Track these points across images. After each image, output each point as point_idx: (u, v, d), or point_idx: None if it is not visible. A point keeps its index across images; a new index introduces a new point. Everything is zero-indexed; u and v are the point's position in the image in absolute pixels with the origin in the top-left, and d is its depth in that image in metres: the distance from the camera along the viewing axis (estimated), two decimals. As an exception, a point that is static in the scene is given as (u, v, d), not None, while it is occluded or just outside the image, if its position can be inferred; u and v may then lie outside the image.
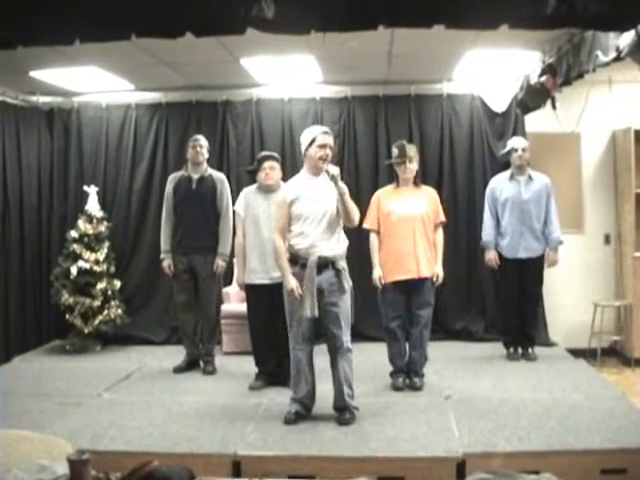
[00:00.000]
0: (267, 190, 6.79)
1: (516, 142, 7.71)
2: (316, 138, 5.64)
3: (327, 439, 5.32)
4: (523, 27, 4.32)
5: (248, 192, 6.95)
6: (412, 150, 6.79)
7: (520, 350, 7.79)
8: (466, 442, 5.15)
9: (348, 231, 5.97)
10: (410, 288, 6.64)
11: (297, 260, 5.62)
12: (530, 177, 7.64)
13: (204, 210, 7.41)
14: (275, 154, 7.08)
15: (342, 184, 5.56)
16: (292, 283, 5.56)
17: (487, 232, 7.69)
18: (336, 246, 5.70)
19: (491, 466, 4.79)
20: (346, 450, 5.10)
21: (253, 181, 7.10)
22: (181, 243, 7.45)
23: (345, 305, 5.82)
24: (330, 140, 5.72)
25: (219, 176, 7.61)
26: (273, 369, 6.90)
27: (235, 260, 7.23)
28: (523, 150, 7.60)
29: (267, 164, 6.80)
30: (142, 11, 4.20)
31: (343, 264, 5.77)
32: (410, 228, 6.61)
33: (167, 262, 7.48)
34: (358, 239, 7.32)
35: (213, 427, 5.63)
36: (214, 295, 7.59)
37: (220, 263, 7.36)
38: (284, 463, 4.98)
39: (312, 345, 5.91)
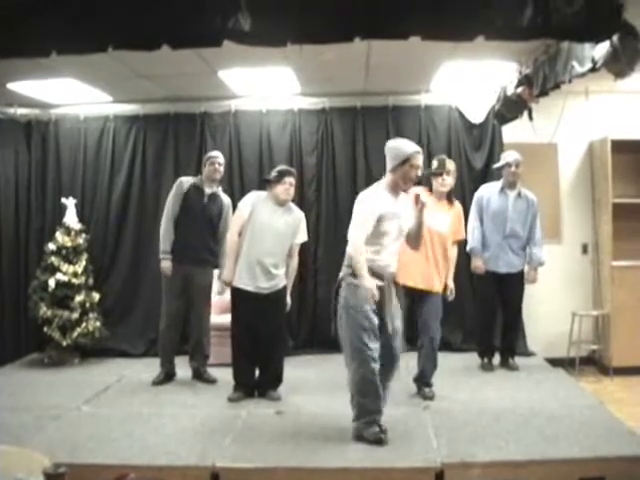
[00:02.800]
0: (279, 203, 6.75)
1: (510, 157, 7.66)
2: (411, 157, 5.38)
3: (306, 450, 5.30)
4: (499, 38, 4.37)
5: (258, 197, 6.83)
6: (452, 165, 6.88)
7: (492, 360, 7.85)
8: (445, 452, 5.15)
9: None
10: (417, 298, 6.66)
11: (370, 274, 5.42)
12: (519, 194, 7.67)
13: (209, 226, 7.42)
14: (294, 170, 7.02)
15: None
16: (372, 282, 5.29)
17: (474, 239, 7.69)
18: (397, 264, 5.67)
19: (469, 476, 4.83)
20: (325, 461, 5.09)
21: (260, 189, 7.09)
22: (179, 251, 7.40)
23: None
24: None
25: (227, 200, 7.61)
26: (252, 381, 6.87)
27: (225, 256, 7.02)
28: (517, 166, 7.58)
29: (289, 179, 6.74)
30: (119, 24, 4.22)
31: None
32: (435, 243, 6.65)
33: (168, 263, 7.39)
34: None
35: (192, 439, 5.60)
36: (208, 305, 7.60)
37: (223, 286, 7.09)
38: (263, 475, 4.97)
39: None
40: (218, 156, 7.54)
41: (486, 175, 8.56)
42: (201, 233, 7.38)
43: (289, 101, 8.97)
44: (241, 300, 6.73)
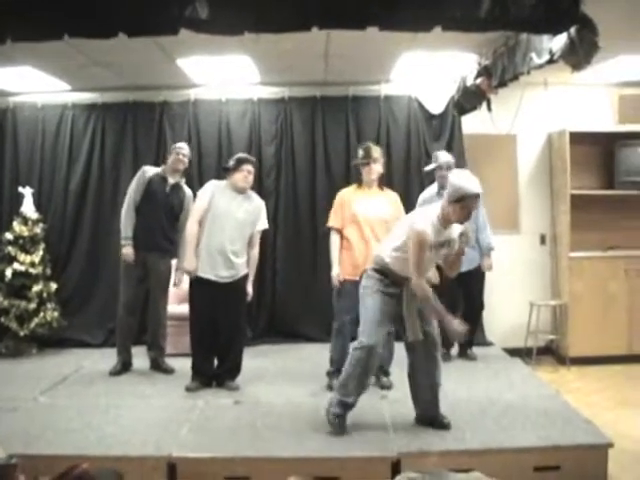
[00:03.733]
0: (238, 191, 6.72)
1: (442, 160, 7.57)
2: (465, 199, 5.09)
3: (264, 440, 5.30)
4: (456, 29, 4.38)
5: (217, 186, 6.80)
6: (377, 152, 6.82)
7: (450, 351, 7.85)
8: (401, 442, 5.17)
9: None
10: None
11: (388, 276, 5.45)
12: None
13: (170, 215, 7.38)
14: (253, 159, 7.03)
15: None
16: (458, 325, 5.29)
17: None
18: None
19: (426, 465, 4.85)
20: (282, 451, 5.09)
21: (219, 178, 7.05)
22: (139, 239, 7.35)
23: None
24: (477, 202, 5.25)
25: (189, 192, 7.56)
26: (211, 371, 6.86)
27: (185, 245, 6.91)
28: (448, 168, 7.49)
29: (247, 167, 6.73)
30: (75, 12, 4.19)
31: None
32: (376, 230, 6.64)
33: (130, 249, 7.33)
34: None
35: (149, 429, 5.57)
36: (166, 294, 7.56)
37: (184, 264, 6.94)
38: (220, 464, 4.95)
39: None
40: (183, 147, 7.51)
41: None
42: (161, 221, 7.35)
43: (249, 90, 8.95)
44: (200, 289, 6.69)
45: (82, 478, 2.77)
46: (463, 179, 5.19)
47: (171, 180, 7.43)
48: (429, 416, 5.60)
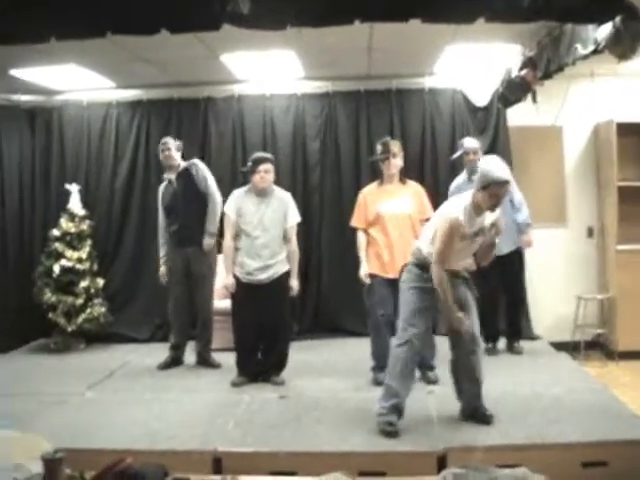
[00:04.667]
0: (260, 193, 6.73)
1: (467, 144, 7.55)
2: (492, 186, 5.03)
3: (308, 435, 5.31)
4: (499, 20, 4.33)
5: (239, 195, 6.83)
6: (396, 146, 6.79)
7: (496, 345, 7.81)
8: (447, 436, 5.14)
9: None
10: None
11: (427, 269, 5.35)
12: None
13: (188, 207, 7.42)
14: (270, 156, 6.95)
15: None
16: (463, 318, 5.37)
17: None
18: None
19: (471, 460, 4.80)
20: (327, 446, 5.09)
21: (245, 181, 7.08)
22: (174, 239, 7.49)
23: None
24: (505, 189, 5.12)
25: (191, 164, 7.57)
26: (255, 366, 6.87)
27: (223, 261, 7.05)
28: (474, 153, 7.47)
29: (262, 167, 6.68)
30: (117, 8, 4.20)
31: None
32: (399, 226, 6.61)
33: (162, 270, 7.56)
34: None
35: (194, 424, 5.61)
36: (210, 287, 7.58)
37: (207, 240, 7.32)
38: (265, 459, 4.95)
39: None
40: (166, 142, 7.55)
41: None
42: (183, 217, 7.42)
43: (293, 85, 8.95)
44: (241, 288, 6.74)
45: (126, 472, 2.79)
46: (491, 165, 5.16)
47: (172, 176, 7.54)
48: (471, 410, 5.56)
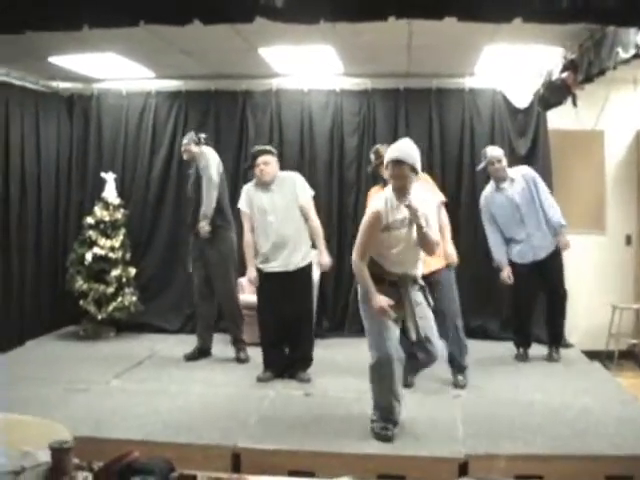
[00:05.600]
0: (265, 185, 6.77)
1: (490, 154, 7.38)
2: (387, 164, 5.07)
3: (330, 434, 5.27)
4: (537, 21, 4.24)
5: (249, 189, 6.90)
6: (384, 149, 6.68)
7: (527, 351, 7.68)
8: (470, 443, 5.07)
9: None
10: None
11: (384, 277, 5.24)
12: (512, 179, 7.38)
13: (199, 192, 7.46)
14: (269, 147, 7.04)
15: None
16: (381, 301, 5.07)
17: (496, 252, 7.47)
18: (420, 264, 5.43)
19: (493, 468, 4.74)
20: (348, 447, 5.04)
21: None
22: (191, 224, 7.56)
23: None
24: (402, 169, 4.98)
25: (198, 151, 7.57)
26: (281, 362, 6.85)
27: (246, 257, 7.03)
28: (499, 161, 7.33)
29: (261, 159, 6.75)
30: (150, -2, 4.17)
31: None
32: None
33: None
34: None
35: (216, 418, 5.61)
36: (228, 272, 7.52)
37: (200, 224, 7.35)
38: (284, 457, 4.92)
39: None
40: (183, 141, 7.70)
41: (530, 162, 8.34)
42: (195, 205, 7.48)
43: (331, 81, 8.88)
44: (265, 280, 6.74)
45: (132, 466, 2.76)
46: (391, 146, 5.19)
47: (192, 169, 7.64)
48: None
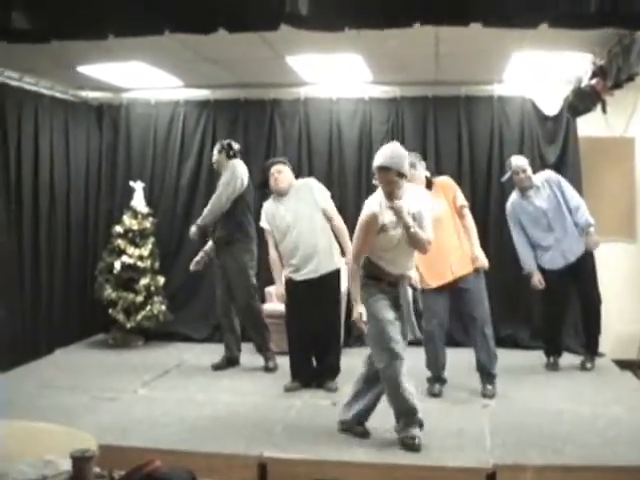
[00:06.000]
0: (282, 195, 6.78)
1: (515, 165, 7.31)
2: (375, 170, 5.21)
3: (356, 444, 5.23)
4: (564, 26, 4.21)
5: (268, 206, 6.92)
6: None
7: (558, 360, 7.59)
8: (498, 453, 5.01)
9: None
10: (452, 292, 6.51)
11: (383, 278, 5.30)
12: (537, 187, 7.31)
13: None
14: (281, 158, 7.18)
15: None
16: (360, 315, 5.26)
17: (525, 259, 7.39)
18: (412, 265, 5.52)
19: (521, 479, 4.69)
20: (373, 456, 5.01)
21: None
22: (212, 235, 7.61)
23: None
24: (388, 175, 5.11)
25: (226, 164, 7.55)
26: (309, 371, 6.84)
27: (273, 274, 7.09)
28: (524, 171, 7.25)
29: (274, 169, 6.81)
30: (175, 6, 4.18)
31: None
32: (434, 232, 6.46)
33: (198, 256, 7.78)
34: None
35: (242, 427, 5.59)
36: (245, 284, 7.46)
37: (191, 228, 7.61)
38: (310, 467, 4.88)
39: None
40: (214, 152, 7.71)
41: (559, 169, 8.25)
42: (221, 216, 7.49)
43: (360, 89, 8.86)
44: (293, 288, 6.74)
45: (152, 475, 2.75)
46: (378, 152, 5.25)
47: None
48: (354, 423, 5.48)
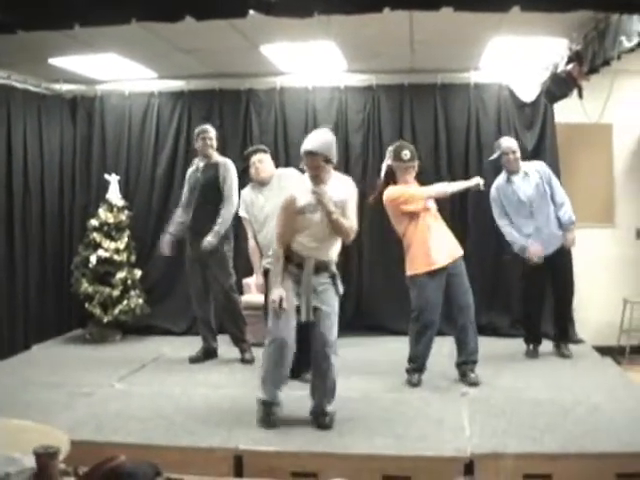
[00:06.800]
0: (262, 184, 6.75)
1: (505, 145, 7.31)
2: (303, 157, 5.28)
3: (334, 435, 5.20)
4: (535, 9, 4.14)
5: (245, 194, 6.93)
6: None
7: (537, 348, 7.60)
8: (476, 442, 4.96)
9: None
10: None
11: (293, 259, 5.38)
12: (525, 173, 7.30)
13: (208, 197, 7.32)
14: (262, 146, 7.08)
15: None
16: (278, 296, 5.31)
17: (513, 238, 7.34)
18: (334, 252, 5.54)
19: (501, 467, 4.65)
20: (351, 447, 4.95)
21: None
22: (191, 228, 7.45)
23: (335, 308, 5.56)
24: (315, 160, 5.21)
25: (222, 161, 7.47)
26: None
27: (253, 264, 7.12)
28: (513, 152, 7.25)
29: (255, 158, 6.77)
30: (141, -5, 4.12)
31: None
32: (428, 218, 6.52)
33: (166, 238, 7.60)
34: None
35: (219, 420, 5.52)
36: (226, 277, 7.41)
37: (208, 238, 7.18)
38: (286, 459, 4.85)
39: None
40: (207, 130, 7.47)
41: (537, 156, 8.26)
42: (201, 207, 7.37)
43: (336, 78, 8.81)
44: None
45: (116, 470, 2.69)
46: (307, 137, 5.36)
47: (201, 164, 7.46)
48: (318, 411, 5.50)
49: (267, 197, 6.67)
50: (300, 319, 5.36)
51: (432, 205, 6.56)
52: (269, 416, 5.39)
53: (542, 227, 7.23)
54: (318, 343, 5.45)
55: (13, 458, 2.87)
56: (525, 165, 7.36)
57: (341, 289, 5.58)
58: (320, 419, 5.41)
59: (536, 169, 7.36)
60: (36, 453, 2.73)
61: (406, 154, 6.51)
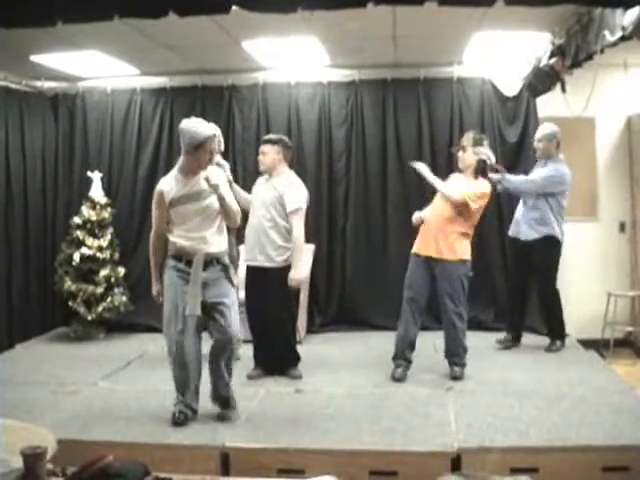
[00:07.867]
0: (267, 175, 6.64)
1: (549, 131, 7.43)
2: (205, 142, 5.30)
3: (320, 431, 5.18)
4: (521, 3, 4.13)
5: (258, 182, 6.82)
6: (466, 140, 6.69)
7: (514, 336, 7.70)
8: (462, 436, 4.98)
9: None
10: (433, 268, 6.52)
11: (181, 257, 5.39)
12: (544, 163, 7.44)
13: None
14: (272, 136, 6.84)
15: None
16: (156, 292, 5.70)
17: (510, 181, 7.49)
18: (222, 243, 5.52)
19: (487, 462, 4.67)
20: (338, 443, 4.95)
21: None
22: None
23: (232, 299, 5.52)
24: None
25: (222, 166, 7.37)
26: (268, 359, 6.74)
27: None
28: (539, 141, 7.40)
29: (261, 148, 6.67)
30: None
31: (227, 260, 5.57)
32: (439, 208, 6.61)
33: None
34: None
35: (205, 418, 5.49)
36: None
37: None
38: (273, 456, 4.84)
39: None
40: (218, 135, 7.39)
41: (520, 150, 8.30)
42: None
43: (318, 73, 8.79)
44: (249, 275, 6.66)
45: (105, 470, 2.68)
46: (194, 124, 5.37)
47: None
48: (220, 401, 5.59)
49: (266, 188, 6.58)
50: (185, 311, 5.35)
51: None
52: (185, 416, 5.42)
53: (526, 213, 7.43)
54: (222, 337, 5.43)
55: (0, 459, 2.85)
56: (551, 160, 7.46)
57: (235, 281, 5.66)
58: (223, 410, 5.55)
59: (555, 168, 7.42)
60: (23, 454, 2.71)
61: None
